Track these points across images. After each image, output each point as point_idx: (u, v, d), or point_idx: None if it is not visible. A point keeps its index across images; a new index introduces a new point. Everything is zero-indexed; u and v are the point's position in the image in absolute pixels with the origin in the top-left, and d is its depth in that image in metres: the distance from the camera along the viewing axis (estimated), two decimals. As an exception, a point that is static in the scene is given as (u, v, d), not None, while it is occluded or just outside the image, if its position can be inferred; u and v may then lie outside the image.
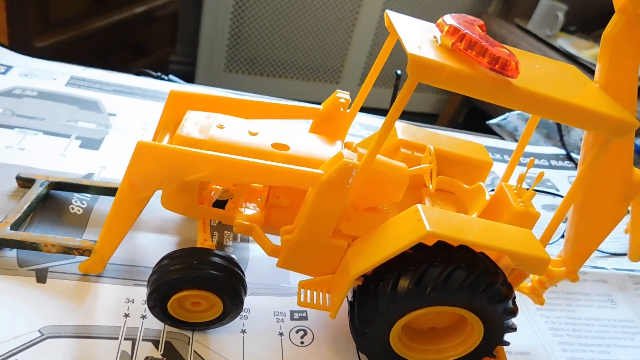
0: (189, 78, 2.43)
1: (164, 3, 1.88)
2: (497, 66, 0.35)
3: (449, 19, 0.39)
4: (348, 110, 0.50)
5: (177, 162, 0.40)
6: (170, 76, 0.83)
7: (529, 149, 0.95)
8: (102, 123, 0.67)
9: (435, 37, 0.39)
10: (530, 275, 0.53)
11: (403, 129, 0.52)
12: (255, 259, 0.54)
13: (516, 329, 0.44)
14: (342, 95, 0.49)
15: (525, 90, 0.36)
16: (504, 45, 0.39)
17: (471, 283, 0.40)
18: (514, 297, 0.42)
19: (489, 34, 0.38)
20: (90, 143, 0.62)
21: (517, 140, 1.00)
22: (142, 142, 0.39)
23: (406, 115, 0.57)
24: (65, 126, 0.64)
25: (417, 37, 0.38)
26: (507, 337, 0.45)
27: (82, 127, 0.65)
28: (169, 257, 0.42)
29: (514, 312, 0.42)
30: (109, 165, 0.59)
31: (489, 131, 1.09)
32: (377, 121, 0.87)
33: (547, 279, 0.52)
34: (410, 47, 0.35)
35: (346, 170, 0.39)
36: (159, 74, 0.83)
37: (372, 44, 2.61)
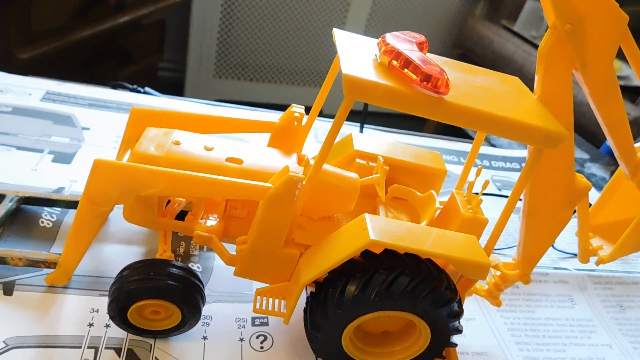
0: (179, 85, 2.45)
1: (149, 11, 1.89)
2: (428, 84, 0.37)
3: (389, 37, 0.41)
4: (303, 124, 0.52)
5: (132, 178, 0.42)
6: (147, 88, 0.85)
7: (500, 152, 0.98)
8: (75, 137, 0.69)
9: (375, 55, 0.41)
10: (487, 278, 0.55)
11: (359, 140, 0.54)
12: (219, 268, 0.55)
13: (462, 331, 0.46)
14: (297, 109, 0.51)
15: (455, 106, 0.38)
16: (453, 61, 0.40)
17: (414, 288, 0.42)
18: (459, 300, 0.45)
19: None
20: (63, 157, 0.64)
21: (493, 145, 1.02)
22: (99, 160, 0.41)
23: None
24: (39, 141, 0.66)
25: (359, 55, 0.40)
26: (466, 337, 0.47)
27: (55, 141, 0.67)
28: (128, 267, 0.44)
29: (459, 314, 0.44)
30: (80, 178, 0.61)
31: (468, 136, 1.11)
32: (346, 128, 0.89)
33: (502, 282, 0.54)
34: (346, 67, 0.37)
35: (292, 184, 0.41)
36: (135, 86, 0.85)
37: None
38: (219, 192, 0.44)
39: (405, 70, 0.38)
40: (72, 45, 1.53)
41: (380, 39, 0.42)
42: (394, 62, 0.38)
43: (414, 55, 0.39)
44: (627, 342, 0.63)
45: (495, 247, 0.68)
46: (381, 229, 0.42)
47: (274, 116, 0.86)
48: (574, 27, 0.41)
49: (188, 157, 0.45)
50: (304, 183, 0.41)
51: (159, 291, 0.43)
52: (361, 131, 0.87)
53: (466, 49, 2.66)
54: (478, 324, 0.59)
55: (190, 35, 2.35)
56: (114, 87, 0.85)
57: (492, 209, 0.67)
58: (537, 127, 0.39)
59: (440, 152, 0.91)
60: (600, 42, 0.42)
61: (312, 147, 0.80)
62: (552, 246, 0.73)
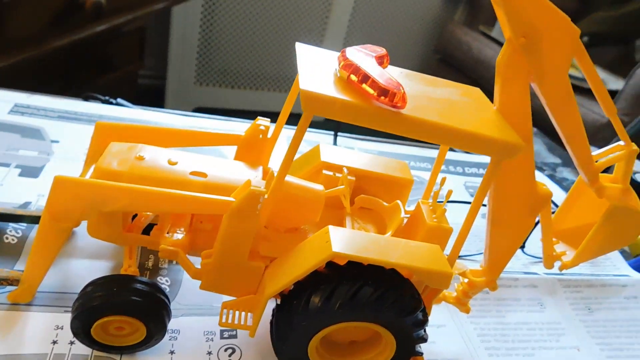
0: (159, 92, 2.44)
1: (127, 20, 1.88)
2: (385, 98, 0.38)
3: (348, 51, 0.42)
4: (269, 136, 0.52)
5: (93, 194, 0.42)
6: (119, 100, 0.85)
7: (473, 158, 0.99)
8: (43, 150, 0.68)
9: (335, 69, 0.41)
10: (455, 285, 0.56)
11: (326, 151, 0.55)
12: (188, 281, 0.55)
13: (427, 339, 0.46)
14: (262, 122, 0.52)
15: (412, 119, 0.38)
16: (414, 74, 0.41)
17: (377, 299, 0.42)
18: (423, 309, 0.45)
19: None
20: (30, 171, 0.64)
21: (466, 152, 1.03)
22: (59, 177, 0.41)
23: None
24: (5, 155, 0.65)
25: (318, 69, 0.41)
26: (436, 344, 0.48)
27: (22, 155, 0.66)
28: (92, 284, 0.44)
29: (423, 323, 0.45)
30: (47, 193, 0.61)
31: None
32: (320, 137, 0.89)
33: (470, 289, 0.55)
34: (304, 82, 0.37)
35: (253, 198, 0.41)
36: (106, 98, 0.84)
37: (342, 54, 2.64)
38: (181, 207, 0.44)
39: (364, 84, 0.39)
40: (49, 54, 1.52)
41: (340, 53, 0.42)
42: (353, 77, 0.39)
43: (372, 69, 0.39)
44: (594, 344, 0.64)
45: (467, 253, 0.69)
46: (344, 241, 0.42)
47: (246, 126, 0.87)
48: (529, 41, 0.41)
49: (151, 172, 0.45)
50: (265, 197, 0.41)
51: (122, 307, 0.43)
52: (335, 140, 0.88)
53: (446, 54, 2.70)
54: (449, 331, 0.60)
55: (171, 42, 2.35)
56: (86, 98, 0.84)
57: (463, 215, 0.68)
58: (492, 138, 0.40)
59: (414, 159, 0.93)
60: (554, 54, 0.43)
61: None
62: (523, 251, 0.74)
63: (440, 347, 0.57)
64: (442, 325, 0.60)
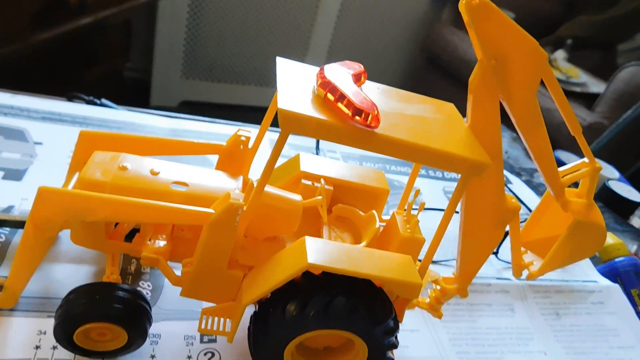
0: (145, 86, 2.43)
1: (113, 13, 1.87)
2: (360, 118, 0.40)
3: (327, 69, 0.43)
4: (250, 147, 0.54)
5: (77, 205, 0.43)
6: (103, 100, 0.85)
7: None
8: (27, 152, 0.68)
9: (313, 86, 0.43)
10: (428, 291, 0.58)
11: (306, 161, 0.57)
12: (169, 286, 0.56)
13: (397, 345, 0.48)
14: (243, 133, 0.53)
15: (384, 138, 0.40)
16: (390, 90, 0.43)
17: (351, 308, 0.44)
18: (395, 317, 0.47)
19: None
20: (13, 174, 0.64)
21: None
22: (43, 187, 0.42)
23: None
24: (-12, 158, 0.66)
25: (298, 86, 0.42)
26: (409, 349, 0.50)
27: (5, 157, 0.67)
28: (75, 291, 0.45)
29: (393, 331, 0.47)
30: (31, 196, 0.61)
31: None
32: (304, 140, 0.91)
33: (442, 295, 0.57)
34: (282, 101, 0.39)
35: (232, 210, 0.42)
36: (91, 98, 0.85)
37: (329, 50, 2.66)
38: (162, 218, 0.45)
39: (339, 104, 0.40)
40: (33, 48, 1.51)
41: (319, 70, 0.44)
42: (329, 96, 0.41)
43: (348, 88, 0.41)
44: (560, 348, 0.67)
45: (442, 258, 0.71)
46: (319, 252, 0.44)
47: (230, 129, 0.88)
48: (499, 63, 0.44)
49: (133, 182, 0.46)
50: (244, 209, 0.43)
51: (104, 315, 0.44)
52: (317, 143, 0.90)
53: (432, 54, 2.72)
54: (421, 335, 0.62)
55: (157, 36, 2.33)
56: (70, 98, 0.85)
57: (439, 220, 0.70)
58: (461, 157, 0.42)
59: (395, 164, 0.95)
60: (523, 76, 0.45)
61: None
62: (496, 257, 0.77)
63: (412, 352, 0.60)
64: (415, 330, 0.63)
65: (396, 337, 0.48)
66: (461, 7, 0.43)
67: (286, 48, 2.55)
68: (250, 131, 0.54)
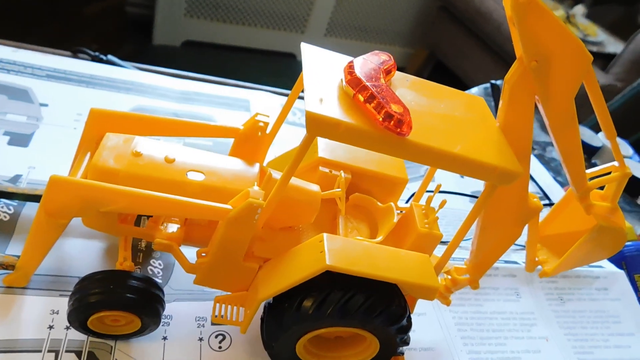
0: (148, 23, 2.33)
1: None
2: (391, 124, 0.37)
3: (357, 63, 0.41)
4: (268, 132, 0.52)
5: (90, 196, 0.41)
6: (109, 57, 0.81)
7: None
8: (32, 115, 0.66)
9: (342, 80, 0.40)
10: (439, 279, 0.58)
11: (324, 146, 0.55)
12: (181, 265, 0.56)
13: (409, 342, 0.49)
14: (262, 118, 0.51)
15: (417, 146, 0.38)
16: (419, 82, 0.40)
17: (368, 308, 0.44)
18: (408, 316, 0.47)
19: None
20: (19, 139, 0.62)
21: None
22: (56, 177, 0.41)
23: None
24: (-7, 120, 0.63)
25: (325, 81, 0.40)
26: (415, 333, 0.51)
27: (10, 120, 0.64)
28: (88, 278, 0.44)
29: (407, 329, 0.47)
30: (39, 165, 0.60)
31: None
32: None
33: (452, 285, 0.57)
34: (310, 103, 0.37)
35: (251, 210, 0.41)
36: (96, 53, 0.81)
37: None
38: (179, 212, 0.44)
39: (369, 105, 0.38)
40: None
41: (347, 64, 0.41)
42: (360, 97, 0.38)
43: (379, 89, 0.38)
44: (562, 334, 0.68)
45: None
46: (337, 253, 0.43)
47: (244, 94, 0.85)
48: (540, 65, 0.41)
49: (148, 171, 0.44)
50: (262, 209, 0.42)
51: (118, 304, 0.44)
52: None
53: (446, 2, 2.60)
54: (428, 319, 0.63)
55: (160, -31, 2.21)
56: (75, 52, 0.81)
57: (455, 205, 0.69)
58: (492, 165, 0.40)
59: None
60: (564, 79, 0.42)
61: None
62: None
63: (419, 335, 0.61)
64: (423, 314, 0.63)
65: (408, 335, 0.49)
66: (506, 2, 0.39)
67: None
68: (269, 115, 0.51)
